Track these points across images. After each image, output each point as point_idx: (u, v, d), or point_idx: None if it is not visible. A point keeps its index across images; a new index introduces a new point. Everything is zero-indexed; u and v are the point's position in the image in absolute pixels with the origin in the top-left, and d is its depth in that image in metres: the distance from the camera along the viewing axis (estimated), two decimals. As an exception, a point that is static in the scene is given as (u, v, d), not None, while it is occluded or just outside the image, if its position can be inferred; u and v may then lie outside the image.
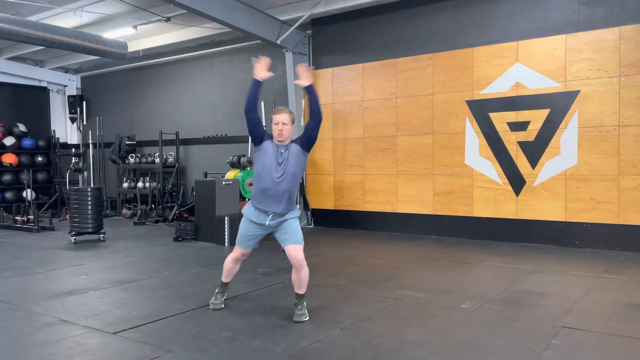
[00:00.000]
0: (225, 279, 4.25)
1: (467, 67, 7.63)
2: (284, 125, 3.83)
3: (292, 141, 3.95)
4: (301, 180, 4.11)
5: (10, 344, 3.51)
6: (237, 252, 4.11)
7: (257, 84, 3.88)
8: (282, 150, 3.88)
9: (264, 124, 4.02)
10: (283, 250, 4.00)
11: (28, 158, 12.44)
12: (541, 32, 7.09)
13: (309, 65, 3.89)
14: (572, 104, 6.86)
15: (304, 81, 3.90)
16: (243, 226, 4.06)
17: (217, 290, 4.30)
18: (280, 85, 9.83)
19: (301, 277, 3.93)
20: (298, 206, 4.11)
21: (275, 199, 3.86)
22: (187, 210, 9.96)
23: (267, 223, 3.92)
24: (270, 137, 3.94)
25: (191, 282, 5.23)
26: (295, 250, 3.88)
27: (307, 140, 3.94)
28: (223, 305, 4.24)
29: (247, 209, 4.03)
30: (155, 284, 5.15)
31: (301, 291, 3.98)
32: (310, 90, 3.90)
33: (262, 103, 9.31)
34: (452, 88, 7.77)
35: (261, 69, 3.88)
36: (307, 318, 3.94)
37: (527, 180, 7.21)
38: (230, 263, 4.18)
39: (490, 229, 7.49)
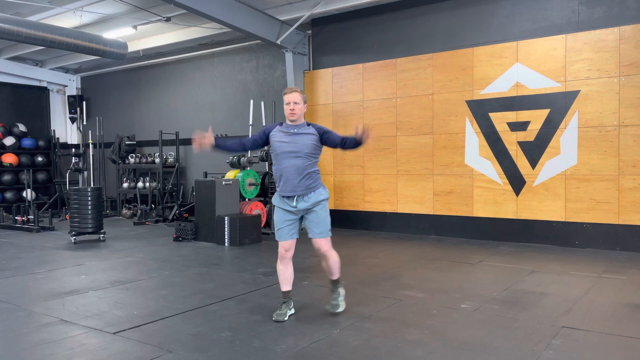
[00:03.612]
0: (283, 287, 3.96)
1: (467, 67, 7.63)
2: (295, 104, 3.84)
3: (310, 124, 3.93)
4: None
5: (10, 344, 3.50)
6: (280, 250, 3.92)
7: (217, 146, 3.87)
8: (295, 130, 3.87)
9: (264, 128, 3.99)
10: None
11: (28, 158, 12.44)
12: (541, 32, 7.10)
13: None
14: (572, 104, 6.86)
15: (361, 136, 3.76)
16: (276, 216, 3.96)
17: (280, 302, 4.03)
18: (280, 85, 9.83)
19: (330, 265, 3.97)
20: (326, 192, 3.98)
21: (293, 179, 3.80)
22: (187, 210, 9.96)
23: (295, 204, 3.84)
24: (274, 127, 3.96)
25: (191, 282, 5.22)
26: (318, 242, 3.92)
27: (324, 140, 3.91)
28: (286, 318, 3.88)
29: (275, 199, 3.99)
30: (155, 284, 5.15)
31: (333, 276, 4.00)
32: (358, 141, 3.80)
33: (262, 103, 9.31)
34: (452, 88, 7.77)
35: (203, 140, 3.79)
36: (342, 309, 3.95)
37: (527, 180, 7.21)
38: (279, 267, 3.96)
39: (490, 229, 7.49)
